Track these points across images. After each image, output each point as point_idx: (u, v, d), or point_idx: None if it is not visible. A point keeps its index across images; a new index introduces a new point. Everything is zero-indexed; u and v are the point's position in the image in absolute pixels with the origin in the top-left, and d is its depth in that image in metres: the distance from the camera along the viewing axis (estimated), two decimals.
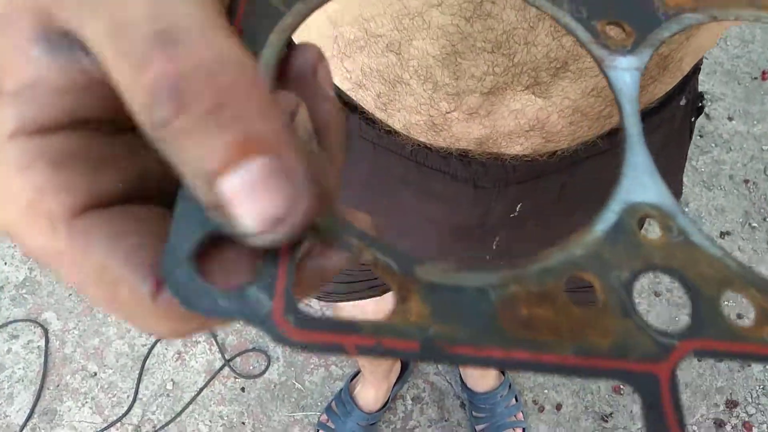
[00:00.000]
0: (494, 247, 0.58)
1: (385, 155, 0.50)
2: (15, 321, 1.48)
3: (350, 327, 0.15)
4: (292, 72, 0.18)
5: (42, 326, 1.47)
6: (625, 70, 0.19)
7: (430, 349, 0.15)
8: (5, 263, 1.54)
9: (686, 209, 1.59)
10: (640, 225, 0.18)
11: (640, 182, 0.18)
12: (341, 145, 0.18)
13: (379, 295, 0.78)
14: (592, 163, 0.49)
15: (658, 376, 0.15)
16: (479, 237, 0.56)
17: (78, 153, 0.16)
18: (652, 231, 0.18)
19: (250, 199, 0.14)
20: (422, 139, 0.46)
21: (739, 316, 1.38)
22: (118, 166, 0.16)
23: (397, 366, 1.39)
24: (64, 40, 0.15)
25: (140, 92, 0.13)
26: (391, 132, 0.47)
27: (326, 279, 0.17)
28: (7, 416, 1.39)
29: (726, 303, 0.16)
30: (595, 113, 0.42)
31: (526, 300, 0.16)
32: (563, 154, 0.45)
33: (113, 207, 0.16)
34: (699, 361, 1.43)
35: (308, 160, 0.15)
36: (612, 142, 0.47)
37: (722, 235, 1.57)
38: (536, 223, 0.55)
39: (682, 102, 0.51)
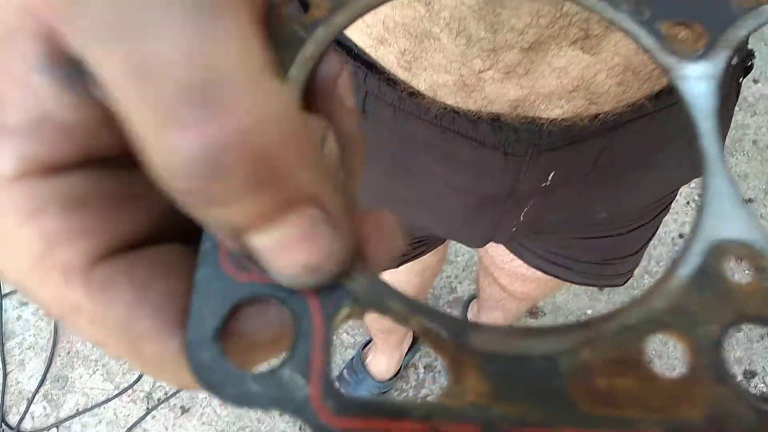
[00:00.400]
0: (521, 219, 0.54)
1: (407, 119, 0.46)
2: None
3: (398, 412, 0.13)
4: (314, 86, 0.16)
5: None
6: (699, 79, 0.16)
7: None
8: None
9: None
10: (730, 269, 0.15)
11: (724, 216, 0.15)
12: (362, 162, 0.17)
13: (396, 267, 0.75)
14: (634, 127, 0.45)
15: None
16: (507, 207, 0.52)
17: (92, 194, 0.14)
18: (739, 273, 0.14)
19: (286, 253, 0.12)
20: (450, 102, 0.42)
21: None
22: (137, 205, 0.15)
23: (410, 334, 1.37)
24: (74, 68, 0.13)
25: (168, 156, 0.11)
26: (414, 94, 0.43)
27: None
28: (19, 383, 1.39)
29: None
30: (647, 72, 0.38)
31: (603, 368, 0.14)
32: (606, 117, 0.41)
33: (134, 251, 0.14)
34: None
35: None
36: (660, 103, 0.43)
37: (745, 202, 1.52)
38: (568, 193, 0.52)
39: (734, 61, 0.46)
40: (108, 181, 0.14)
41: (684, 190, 1.52)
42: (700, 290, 0.14)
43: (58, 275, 0.13)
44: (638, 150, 0.49)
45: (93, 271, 0.14)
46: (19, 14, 0.12)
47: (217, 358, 0.13)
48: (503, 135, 0.43)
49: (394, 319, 0.14)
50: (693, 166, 0.57)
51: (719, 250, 0.14)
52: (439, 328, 0.14)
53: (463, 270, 1.48)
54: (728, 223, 0.14)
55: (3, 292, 1.45)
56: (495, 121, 0.42)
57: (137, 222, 0.14)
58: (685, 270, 0.14)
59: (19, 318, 1.44)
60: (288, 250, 0.12)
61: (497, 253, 0.80)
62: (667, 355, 1.36)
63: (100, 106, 0.13)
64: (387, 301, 0.14)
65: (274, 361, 0.14)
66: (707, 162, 0.15)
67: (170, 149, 0.11)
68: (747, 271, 0.14)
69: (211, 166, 0.11)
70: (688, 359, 0.14)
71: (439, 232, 0.62)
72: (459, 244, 1.49)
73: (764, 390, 1.35)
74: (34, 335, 1.43)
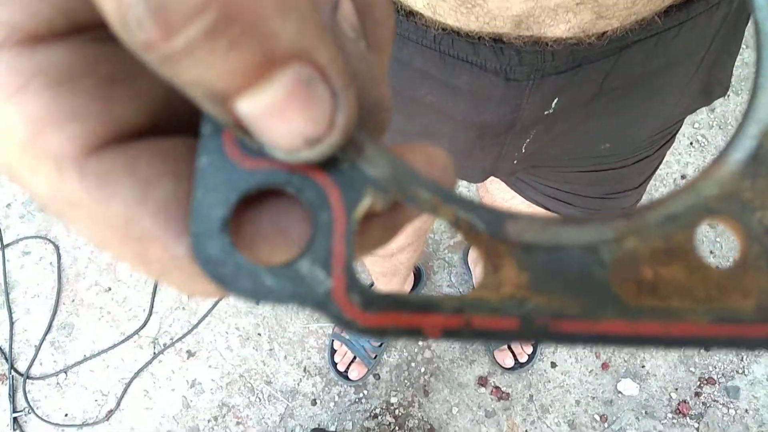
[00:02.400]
0: (523, 150, 0.53)
1: (403, 45, 0.44)
2: (26, 238, 1.47)
3: (429, 305, 0.13)
4: None
5: (53, 242, 1.46)
6: None
7: (532, 326, 0.13)
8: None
9: (712, 115, 1.51)
10: None
11: None
12: (390, 34, 0.14)
13: None
14: (641, 48, 0.43)
15: None
16: (508, 139, 0.51)
17: (81, 71, 0.12)
18: None
19: (277, 119, 0.11)
20: (450, 22, 0.40)
21: None
22: (135, 87, 0.13)
23: (411, 278, 1.38)
24: None
25: (109, 2, 0.09)
26: (412, 14, 0.41)
27: (386, 242, 0.14)
28: (26, 330, 1.41)
29: None
30: None
31: (650, 258, 0.13)
32: (613, 35, 0.40)
33: (135, 143, 0.13)
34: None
35: (354, 63, 0.12)
36: (670, 21, 0.41)
37: None
38: (571, 122, 0.50)
39: None
40: (99, 57, 0.12)
41: (687, 131, 1.50)
42: (754, 175, 0.13)
43: (50, 165, 0.12)
44: (644, 74, 0.47)
45: (88, 161, 0.12)
46: None
47: (227, 250, 0.12)
48: (505, 58, 0.42)
49: (423, 208, 0.13)
50: (699, 94, 0.56)
51: None
52: (473, 219, 0.13)
53: None
54: None
55: (5, 243, 1.45)
56: (497, 42, 0.41)
57: (135, 107, 0.13)
58: (738, 154, 0.13)
59: (22, 267, 1.45)
60: (280, 114, 0.11)
61: (498, 191, 0.79)
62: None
63: None
64: (414, 189, 0.13)
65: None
66: (762, 38, 0.14)
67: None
68: None
69: (152, 12, 0.09)
70: (740, 247, 0.13)
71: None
72: (459, 187, 1.48)
73: None
74: (38, 284, 1.44)
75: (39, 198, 0.13)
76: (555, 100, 0.46)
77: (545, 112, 0.47)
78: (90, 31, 0.12)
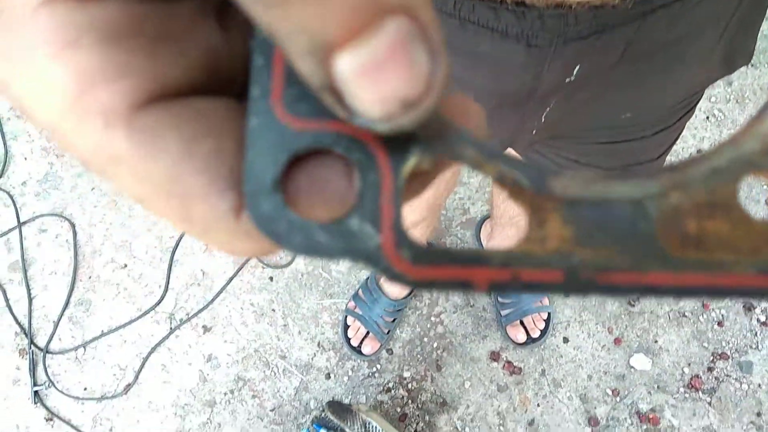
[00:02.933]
0: (543, 120, 0.53)
1: None
2: (41, 215, 1.48)
3: (477, 259, 0.13)
4: None
5: (68, 220, 1.48)
6: None
7: (578, 279, 0.13)
8: (25, 158, 1.52)
9: (729, 89, 1.49)
10: None
11: None
12: None
13: None
14: (664, 13, 0.43)
15: None
16: (528, 108, 0.50)
17: (131, 28, 0.12)
18: None
19: (377, 79, 0.10)
20: None
21: None
22: (182, 46, 0.13)
23: None
24: None
25: None
26: None
27: (421, 193, 0.14)
28: (44, 306, 1.43)
29: None
30: None
31: (694, 212, 0.13)
32: None
33: (180, 100, 0.13)
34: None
35: None
36: None
37: None
38: (592, 91, 0.50)
39: None
40: (146, 16, 0.12)
41: (703, 105, 1.48)
42: None
43: (97, 119, 0.12)
44: (667, 41, 0.46)
45: (136, 117, 0.12)
46: None
47: (280, 208, 0.12)
48: (527, 22, 0.41)
49: (468, 165, 0.13)
50: (722, 62, 0.55)
51: None
52: (517, 175, 0.13)
53: (476, 191, 1.47)
54: None
55: (21, 220, 1.47)
56: (519, 5, 0.40)
57: (180, 67, 0.13)
58: None
59: (39, 245, 1.47)
60: (379, 72, 0.10)
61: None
62: None
63: None
64: (459, 148, 0.13)
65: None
66: None
67: None
68: None
69: None
70: None
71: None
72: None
73: None
74: (54, 261, 1.46)
75: (81, 155, 0.13)
76: (577, 67, 0.45)
77: (566, 80, 0.46)
78: None
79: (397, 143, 0.13)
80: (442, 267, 0.13)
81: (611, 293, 0.13)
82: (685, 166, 0.13)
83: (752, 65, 1.52)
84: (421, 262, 0.13)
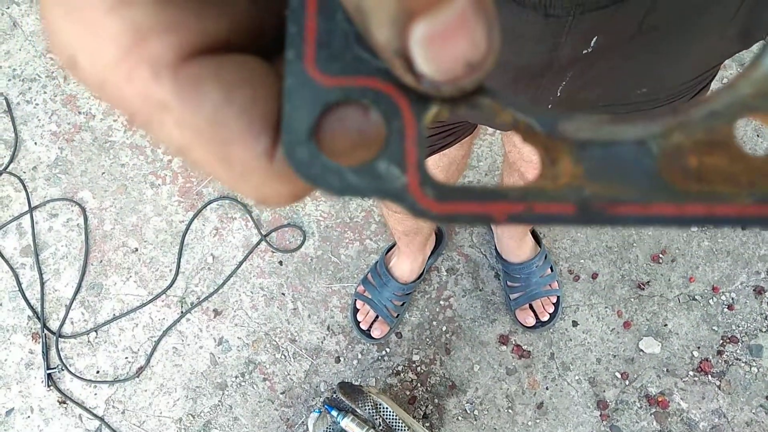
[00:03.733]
0: (558, 94, 0.53)
1: None
2: (52, 200, 1.49)
3: (495, 194, 0.14)
4: None
5: (79, 205, 1.49)
6: None
7: (589, 211, 0.14)
8: (35, 143, 1.53)
9: (741, 70, 1.48)
10: None
11: None
12: None
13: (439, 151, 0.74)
14: None
15: None
16: (544, 81, 0.50)
17: None
18: None
19: (447, 44, 0.12)
20: None
21: None
22: (222, 7, 0.14)
23: (432, 238, 1.39)
24: None
25: None
26: None
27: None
28: (56, 290, 1.45)
29: None
30: None
31: (694, 149, 0.14)
32: None
33: (220, 54, 0.14)
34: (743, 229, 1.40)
35: None
36: None
37: None
38: (609, 64, 0.49)
39: None
40: None
41: (715, 87, 1.47)
42: None
43: (146, 69, 0.13)
44: (684, 13, 0.46)
45: (182, 67, 0.13)
46: None
47: (315, 154, 0.14)
48: None
49: (485, 112, 0.14)
50: (738, 35, 0.54)
51: None
52: (530, 120, 0.15)
53: (486, 175, 1.47)
54: None
55: (32, 205, 1.48)
56: (517, 3, 0.40)
57: (222, 24, 0.14)
58: None
59: (50, 229, 1.48)
60: (450, 38, 0.12)
61: (525, 144, 0.78)
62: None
63: None
64: (475, 97, 0.14)
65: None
66: None
67: None
68: None
69: None
70: None
71: (469, 115, 0.60)
72: (481, 149, 1.47)
73: None
74: (66, 245, 1.47)
75: (129, 104, 0.14)
76: (594, 38, 0.45)
77: (584, 51, 0.46)
78: None
79: (419, 94, 0.14)
80: (463, 203, 0.14)
81: (620, 223, 0.14)
82: (685, 109, 0.14)
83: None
84: (444, 198, 0.14)
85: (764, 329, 1.35)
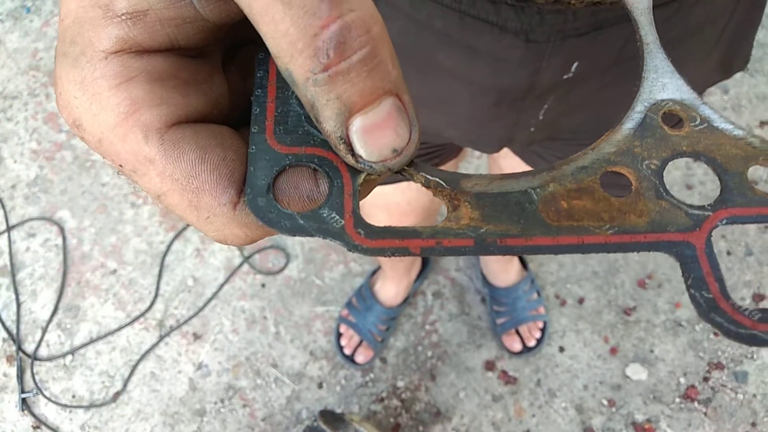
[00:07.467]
0: (540, 118, 0.52)
1: (423, 5, 0.43)
2: (30, 219, 1.46)
3: (412, 233, 0.17)
4: None
5: (58, 224, 1.46)
6: None
7: (484, 243, 0.17)
8: (15, 161, 1.50)
9: (725, 97, 1.49)
10: (666, 120, 0.19)
11: (661, 83, 0.19)
12: None
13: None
14: (662, 13, 0.42)
15: (694, 244, 0.17)
16: (526, 105, 0.49)
17: (171, 73, 0.18)
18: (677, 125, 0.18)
19: (377, 133, 0.16)
20: None
21: None
22: (200, 88, 0.18)
23: (418, 262, 1.37)
24: None
25: (306, 39, 0.15)
26: None
27: (371, 191, 0.20)
28: (32, 312, 1.41)
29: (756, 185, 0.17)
30: None
31: (566, 195, 0.18)
32: None
33: (198, 124, 0.18)
34: (729, 255, 1.40)
35: None
36: None
37: (761, 124, 1.48)
38: (589, 90, 0.49)
39: None
40: (181, 66, 0.18)
41: None
42: (642, 137, 0.18)
43: (139, 132, 0.17)
44: (665, 42, 0.46)
45: (167, 132, 0.17)
46: None
47: (271, 203, 0.17)
48: (526, 17, 0.40)
49: (404, 175, 0.18)
50: (719, 66, 0.54)
51: (657, 107, 0.19)
52: (438, 179, 0.19)
53: None
54: (664, 87, 0.19)
55: (10, 224, 1.45)
56: (519, 0, 0.39)
57: (202, 101, 0.18)
58: (629, 124, 0.19)
59: (28, 249, 1.45)
60: (380, 130, 0.16)
61: (509, 167, 0.78)
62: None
63: (193, 9, 0.17)
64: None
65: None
66: (647, 46, 0.20)
67: (307, 35, 0.15)
68: (682, 123, 0.18)
69: (339, 44, 0.15)
70: (634, 185, 0.18)
71: (453, 137, 0.59)
72: (469, 170, 1.46)
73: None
74: (44, 266, 1.43)
75: (122, 158, 0.17)
76: (575, 64, 0.44)
77: (564, 76, 0.45)
78: (178, 49, 0.18)
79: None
80: (387, 239, 0.17)
81: (509, 252, 0.17)
82: (559, 166, 0.18)
83: (749, 74, 1.52)
84: (373, 236, 0.17)
85: (749, 356, 1.34)
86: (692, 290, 0.16)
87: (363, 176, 0.18)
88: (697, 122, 0.19)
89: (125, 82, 0.16)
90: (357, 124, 0.16)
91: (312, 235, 0.17)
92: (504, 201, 0.18)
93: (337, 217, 0.17)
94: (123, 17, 0.16)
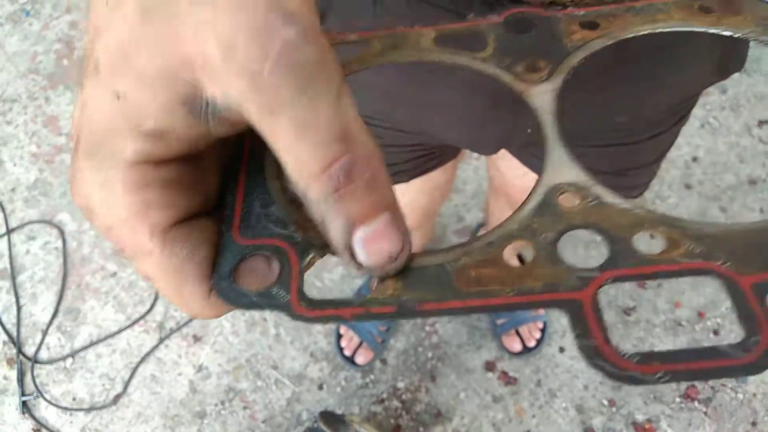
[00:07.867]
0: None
1: (420, 7, 0.43)
2: (31, 222, 1.46)
3: (345, 303, 0.20)
4: None
5: (58, 227, 1.46)
6: (543, 93, 0.25)
7: (405, 309, 0.20)
8: (14, 164, 1.51)
9: (724, 96, 1.49)
10: (563, 200, 0.22)
11: (559, 170, 0.22)
12: None
13: (406, 181, 0.73)
14: None
15: (582, 301, 0.19)
16: (523, 107, 0.49)
17: (178, 179, 0.20)
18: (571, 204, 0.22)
19: (376, 242, 0.19)
20: None
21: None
22: (197, 188, 0.21)
23: None
24: (206, 107, 0.19)
25: (320, 168, 0.18)
26: None
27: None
28: (32, 315, 1.41)
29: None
30: None
31: (475, 265, 0.21)
32: None
33: (191, 222, 0.21)
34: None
35: None
36: None
37: (760, 124, 1.48)
38: (587, 91, 0.49)
39: None
40: (186, 172, 0.21)
41: (698, 112, 1.48)
42: (541, 215, 0.21)
43: (146, 229, 0.19)
44: (663, 42, 0.46)
45: (169, 231, 0.20)
46: (176, 64, 0.18)
47: (232, 285, 0.21)
48: None
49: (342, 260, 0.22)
50: (715, 68, 0.54)
51: (554, 190, 0.22)
52: None
53: (472, 198, 1.46)
54: (561, 173, 0.22)
55: (10, 227, 1.45)
56: (515, 2, 0.39)
57: (198, 199, 0.21)
58: (531, 204, 0.21)
59: (28, 252, 1.45)
60: (378, 239, 0.19)
61: (509, 168, 0.78)
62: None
63: (206, 130, 0.19)
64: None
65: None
66: (549, 141, 0.23)
67: (321, 165, 0.18)
68: (576, 201, 0.21)
69: (347, 173, 0.18)
70: (533, 255, 0.20)
71: (451, 139, 0.60)
72: (467, 173, 1.46)
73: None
74: (44, 269, 1.44)
75: (126, 246, 0.20)
76: None
77: None
78: (182, 159, 0.20)
79: (302, 248, 0.21)
80: (324, 309, 0.20)
81: (425, 315, 0.20)
82: (471, 242, 0.21)
83: (746, 73, 1.53)
84: (313, 307, 0.20)
85: None
86: (579, 339, 0.18)
87: (308, 259, 0.21)
88: (589, 200, 0.21)
89: (142, 188, 0.19)
90: (359, 235, 0.19)
91: (264, 309, 0.21)
92: (423, 274, 0.21)
93: (285, 293, 0.20)
94: (149, 135, 0.19)
